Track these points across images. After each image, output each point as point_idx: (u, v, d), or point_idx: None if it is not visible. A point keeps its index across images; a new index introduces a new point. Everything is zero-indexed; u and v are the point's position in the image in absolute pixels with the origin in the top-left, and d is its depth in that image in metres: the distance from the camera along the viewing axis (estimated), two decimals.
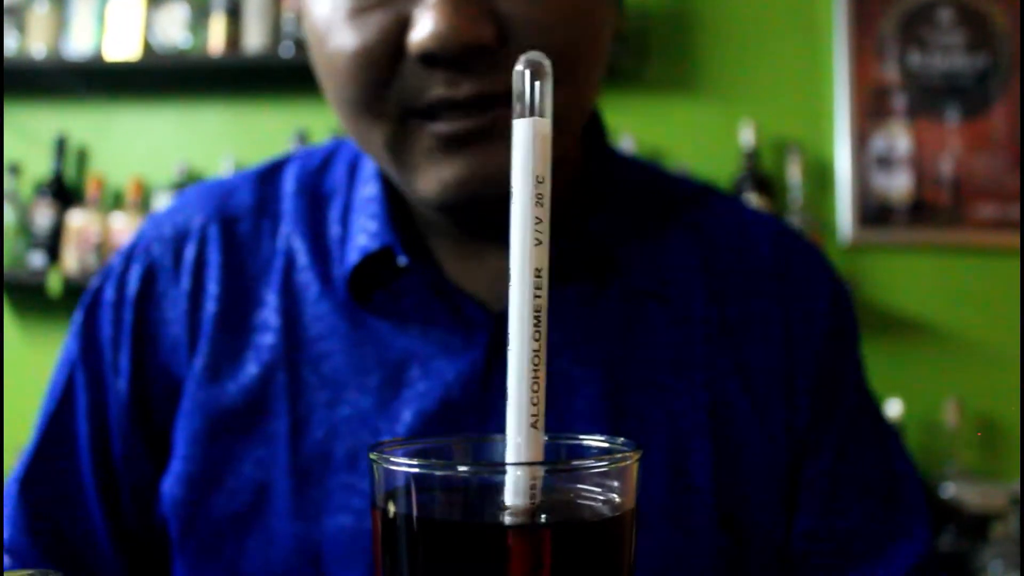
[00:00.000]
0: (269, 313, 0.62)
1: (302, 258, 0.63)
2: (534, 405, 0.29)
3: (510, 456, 0.30)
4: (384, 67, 0.51)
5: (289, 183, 0.68)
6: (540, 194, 0.30)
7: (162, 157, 2.32)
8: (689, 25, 2.27)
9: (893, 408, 2.02)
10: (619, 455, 0.30)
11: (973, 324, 2.15)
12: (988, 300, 2.14)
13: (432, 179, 0.53)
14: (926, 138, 2.20)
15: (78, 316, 0.66)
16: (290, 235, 0.64)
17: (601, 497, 0.31)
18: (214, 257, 0.64)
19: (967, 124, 2.20)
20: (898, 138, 2.20)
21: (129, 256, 0.67)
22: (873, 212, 2.19)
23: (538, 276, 0.30)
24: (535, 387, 0.29)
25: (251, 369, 0.61)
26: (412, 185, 0.55)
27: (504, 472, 0.30)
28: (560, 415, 0.58)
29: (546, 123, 0.30)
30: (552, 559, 0.29)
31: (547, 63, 0.30)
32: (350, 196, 0.65)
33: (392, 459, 0.29)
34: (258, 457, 0.59)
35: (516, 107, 0.30)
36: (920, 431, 2.11)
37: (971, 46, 2.21)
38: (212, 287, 0.63)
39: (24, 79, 2.34)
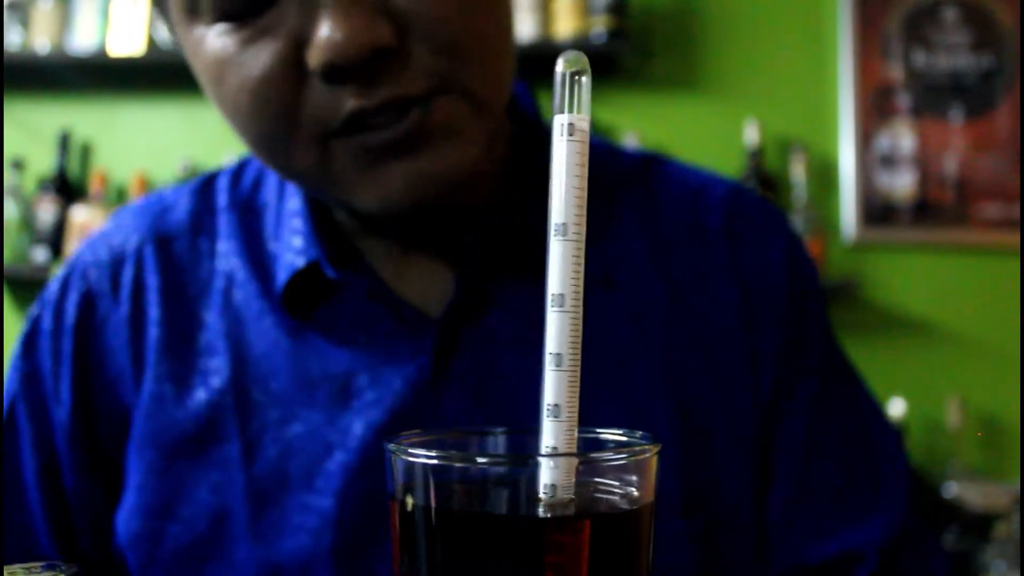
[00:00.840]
0: (213, 335, 0.60)
1: (241, 275, 0.61)
2: (569, 399, 0.29)
3: (544, 449, 0.30)
4: (290, 92, 0.49)
5: (222, 197, 0.66)
6: (577, 187, 0.30)
7: (166, 153, 2.32)
8: (693, 23, 2.27)
9: (896, 407, 2.02)
10: (637, 448, 0.30)
11: (976, 323, 2.15)
12: (991, 300, 2.14)
13: (373, 192, 0.52)
14: (930, 137, 2.20)
15: (17, 348, 0.64)
16: (228, 253, 0.63)
17: (619, 491, 0.31)
18: (152, 280, 0.62)
19: (971, 123, 2.20)
20: (902, 137, 2.20)
21: (65, 283, 0.65)
22: (877, 211, 2.19)
23: (574, 268, 0.30)
24: (571, 380, 0.29)
25: (200, 394, 0.59)
26: (351, 201, 0.53)
27: (530, 465, 0.30)
28: (516, 411, 0.57)
29: (584, 118, 0.30)
30: (571, 552, 0.29)
31: (584, 60, 0.30)
32: (280, 209, 0.63)
33: (411, 451, 0.29)
34: (213, 483, 0.57)
35: (555, 103, 0.30)
36: (923, 430, 2.11)
37: (976, 45, 2.21)
38: (152, 311, 0.62)
39: (28, 74, 2.34)
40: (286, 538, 0.55)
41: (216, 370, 0.59)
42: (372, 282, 0.58)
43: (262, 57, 0.49)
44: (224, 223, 0.64)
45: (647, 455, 0.30)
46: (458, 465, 0.29)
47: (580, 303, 0.30)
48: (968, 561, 1.81)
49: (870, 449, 0.63)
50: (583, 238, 0.31)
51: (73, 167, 2.37)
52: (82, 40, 2.29)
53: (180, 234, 0.64)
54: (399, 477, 0.30)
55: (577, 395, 0.30)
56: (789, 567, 0.60)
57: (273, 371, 0.58)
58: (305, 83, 0.49)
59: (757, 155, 2.14)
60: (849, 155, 2.20)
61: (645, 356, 0.59)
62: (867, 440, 0.63)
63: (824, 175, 2.21)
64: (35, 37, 2.29)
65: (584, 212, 0.30)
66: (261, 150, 0.54)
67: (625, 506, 0.31)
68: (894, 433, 0.65)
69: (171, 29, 0.56)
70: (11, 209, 2.25)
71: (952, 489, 1.95)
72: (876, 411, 0.65)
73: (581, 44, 2.09)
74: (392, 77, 0.48)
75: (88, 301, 0.63)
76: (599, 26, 2.10)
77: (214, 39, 0.50)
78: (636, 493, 0.30)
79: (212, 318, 0.61)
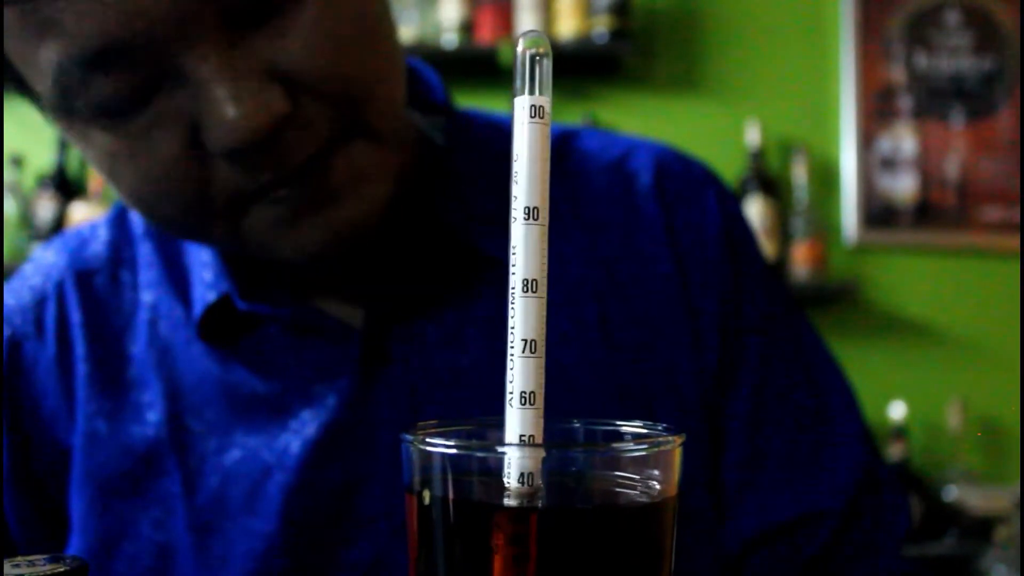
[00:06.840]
0: (142, 369, 0.59)
1: (165, 306, 0.60)
2: (532, 388, 0.29)
3: (515, 439, 0.29)
4: (194, 176, 0.47)
5: (138, 225, 0.64)
6: (542, 170, 0.30)
7: None
8: (695, 25, 2.26)
9: (896, 410, 2.02)
10: (660, 440, 0.30)
11: (977, 326, 2.15)
12: (992, 302, 2.14)
13: (289, 246, 0.51)
14: (932, 140, 2.20)
15: None
16: (150, 284, 0.61)
17: (638, 484, 0.30)
18: (75, 316, 0.61)
19: (973, 126, 2.20)
20: (904, 139, 2.20)
21: None
22: (878, 213, 2.19)
23: (543, 252, 0.30)
24: (540, 366, 0.29)
25: (135, 430, 0.58)
26: (266, 255, 0.53)
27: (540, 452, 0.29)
28: (453, 410, 0.56)
29: (544, 99, 0.30)
30: (560, 545, 0.28)
31: (544, 41, 0.30)
32: None
33: (428, 440, 0.29)
34: (154, 518, 0.56)
35: (516, 84, 0.30)
36: (923, 433, 2.11)
37: (978, 48, 2.21)
38: (79, 348, 0.60)
39: None
40: (233, 567, 0.54)
41: (150, 404, 0.58)
42: (287, 309, 0.57)
43: (159, 148, 0.47)
44: (143, 252, 0.63)
45: (670, 446, 0.29)
46: (478, 455, 0.29)
47: (543, 295, 0.30)
48: (968, 564, 1.80)
49: (821, 402, 0.61)
50: (545, 226, 0.30)
51: (72, 164, 2.36)
52: None
53: (100, 268, 0.63)
54: (416, 468, 0.29)
55: (541, 386, 0.30)
56: (751, 532, 0.58)
57: (207, 399, 0.57)
58: (208, 163, 0.47)
59: (758, 156, 2.14)
60: (850, 157, 2.20)
61: (582, 338, 0.58)
62: (818, 394, 0.61)
63: (825, 177, 2.21)
64: None
65: (548, 195, 0.30)
66: (169, 229, 0.53)
67: (644, 500, 0.30)
68: (843, 380, 0.63)
69: (46, 116, 0.51)
70: (10, 206, 2.24)
71: (952, 492, 1.94)
72: (824, 358, 0.63)
73: (583, 44, 2.08)
74: (296, 140, 0.47)
75: (14, 346, 0.62)
76: (601, 26, 2.10)
77: (100, 134, 0.48)
78: (658, 487, 0.29)
79: (139, 351, 0.60)
